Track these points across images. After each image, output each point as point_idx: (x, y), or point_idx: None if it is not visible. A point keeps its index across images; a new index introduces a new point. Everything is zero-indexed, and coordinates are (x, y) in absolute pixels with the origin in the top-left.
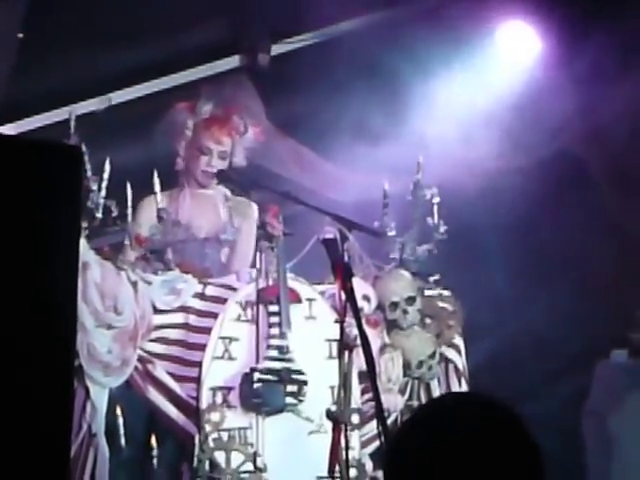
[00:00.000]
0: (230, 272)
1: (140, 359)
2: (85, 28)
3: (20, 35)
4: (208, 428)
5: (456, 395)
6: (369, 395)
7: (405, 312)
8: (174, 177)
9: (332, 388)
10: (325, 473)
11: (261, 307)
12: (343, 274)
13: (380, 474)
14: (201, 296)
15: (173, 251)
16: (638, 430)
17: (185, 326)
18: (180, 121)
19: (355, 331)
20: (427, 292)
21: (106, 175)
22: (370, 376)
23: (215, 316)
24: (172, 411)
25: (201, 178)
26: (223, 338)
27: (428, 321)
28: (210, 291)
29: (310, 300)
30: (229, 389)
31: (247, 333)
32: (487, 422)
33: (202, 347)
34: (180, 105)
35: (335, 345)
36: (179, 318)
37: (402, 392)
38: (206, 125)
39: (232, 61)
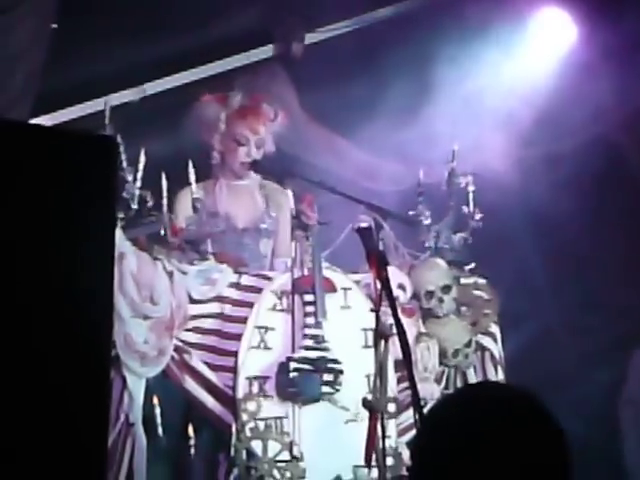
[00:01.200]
0: (267, 262)
1: (176, 349)
2: (119, 18)
3: (54, 25)
4: (245, 417)
5: (484, 385)
6: (405, 384)
7: (441, 301)
8: (208, 169)
9: (368, 377)
10: (362, 462)
11: (296, 296)
12: (378, 263)
13: None
14: (236, 286)
15: (212, 242)
16: None
17: (221, 316)
18: (212, 114)
19: (391, 320)
20: (462, 280)
21: (141, 166)
22: (406, 365)
23: (251, 305)
24: (209, 400)
25: (239, 169)
26: (259, 327)
27: (464, 309)
28: (245, 281)
29: (345, 289)
30: (265, 378)
31: (283, 322)
32: (515, 414)
33: (238, 337)
34: (209, 98)
35: (371, 334)
36: (215, 308)
37: (438, 381)
38: (240, 115)
39: (266, 50)
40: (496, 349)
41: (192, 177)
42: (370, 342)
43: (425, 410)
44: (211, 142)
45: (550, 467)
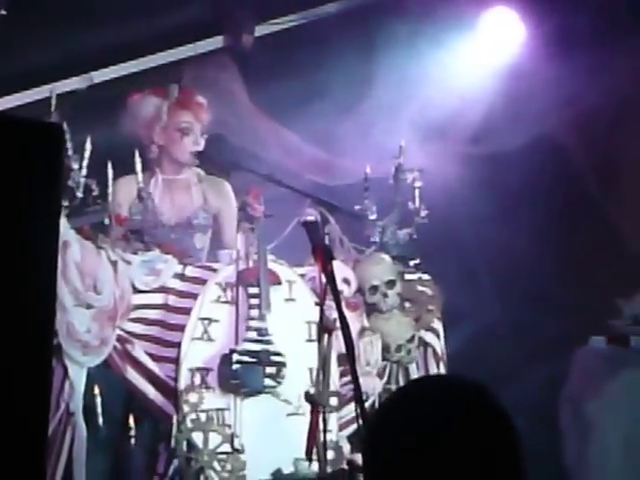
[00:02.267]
0: (203, 256)
1: (119, 339)
2: (67, 6)
3: (2, 12)
4: (186, 409)
5: (432, 377)
6: (348, 378)
7: (385, 296)
8: (146, 162)
9: (311, 370)
10: (303, 455)
11: (241, 289)
12: (323, 257)
13: (357, 456)
14: (181, 277)
15: (149, 235)
16: (615, 416)
17: (164, 306)
18: (151, 107)
19: (335, 314)
20: (407, 276)
21: (87, 154)
22: (349, 359)
23: (195, 297)
24: (150, 391)
25: (185, 159)
26: (202, 319)
27: (408, 305)
28: (190, 272)
29: (290, 282)
30: (208, 370)
31: (227, 314)
32: (464, 403)
33: (181, 328)
34: (146, 92)
35: (314, 327)
36: (159, 298)
37: (380, 375)
38: (182, 105)
39: (215, 41)
40: (439, 345)
41: (138, 166)
42: (314, 335)
43: (367, 404)
44: (150, 136)
45: (502, 453)
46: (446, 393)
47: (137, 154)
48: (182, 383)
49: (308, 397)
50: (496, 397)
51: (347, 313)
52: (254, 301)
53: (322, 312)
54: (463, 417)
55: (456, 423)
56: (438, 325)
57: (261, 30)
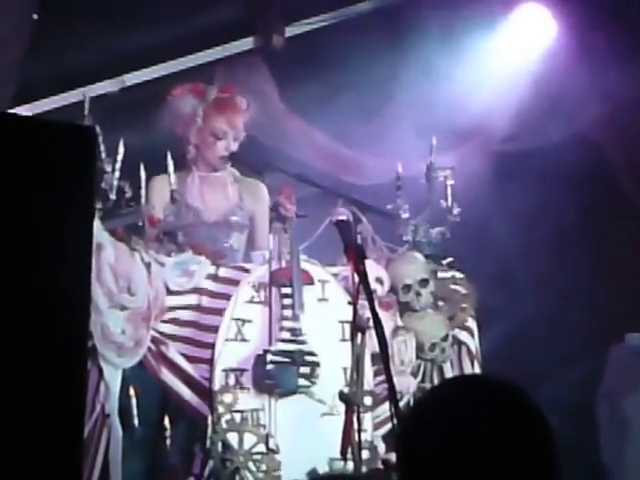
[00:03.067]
0: (240, 256)
1: (153, 340)
2: (100, 9)
3: (35, 16)
4: (221, 409)
5: (466, 377)
6: (382, 377)
7: (418, 294)
8: (183, 161)
9: (345, 370)
10: (337, 455)
11: (274, 289)
12: (356, 256)
13: (392, 456)
14: (214, 278)
15: (184, 234)
16: None
17: (198, 307)
18: (188, 108)
19: (368, 313)
20: (440, 274)
21: (120, 156)
22: (383, 358)
23: (228, 298)
24: (185, 392)
25: (217, 162)
26: (236, 320)
27: (441, 304)
28: (223, 273)
29: (323, 282)
30: (242, 371)
31: (260, 315)
32: (498, 403)
33: (215, 329)
34: (184, 89)
35: (348, 327)
36: (192, 299)
37: (415, 374)
38: (217, 109)
39: (246, 43)
40: (473, 343)
41: (171, 168)
42: (347, 335)
43: (401, 404)
44: (187, 135)
45: (536, 453)
46: (480, 393)
47: (169, 156)
48: (217, 384)
49: (342, 397)
50: (531, 397)
51: (380, 312)
52: (287, 301)
53: (355, 311)
54: (497, 417)
55: (490, 423)
56: (472, 323)
57: (291, 31)
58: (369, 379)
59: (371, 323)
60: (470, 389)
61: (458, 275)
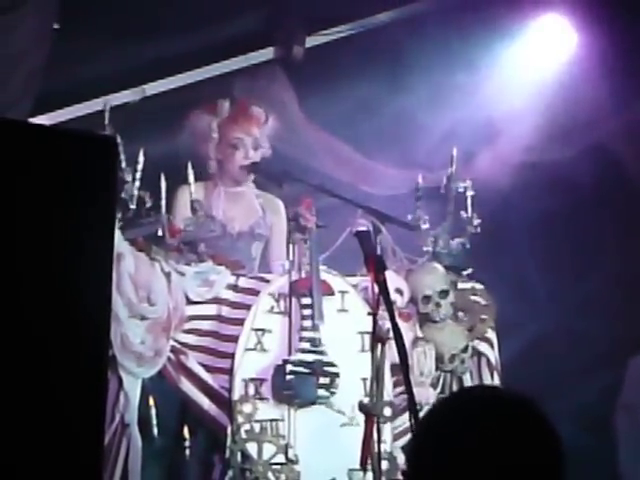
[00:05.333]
0: (259, 266)
1: (173, 350)
2: (120, 19)
3: (56, 26)
4: (240, 419)
5: (475, 388)
6: (401, 388)
7: (438, 305)
8: (206, 173)
9: (364, 381)
10: (357, 465)
11: (294, 299)
12: (376, 267)
13: None
14: (234, 288)
15: (206, 246)
16: None
17: (218, 317)
18: (204, 125)
19: (388, 324)
20: (460, 285)
21: (140, 166)
22: (403, 369)
23: (248, 308)
24: (204, 402)
25: (238, 174)
26: (256, 330)
27: (461, 314)
28: (243, 283)
29: (343, 292)
30: (261, 381)
31: (279, 325)
32: (506, 415)
33: (235, 339)
34: (198, 111)
35: (367, 338)
36: (212, 309)
37: (434, 385)
38: (232, 121)
39: (266, 53)
40: (492, 355)
41: (191, 178)
42: (367, 346)
43: (421, 415)
44: (207, 152)
45: (545, 468)
46: (490, 406)
47: (189, 167)
48: (236, 394)
49: (362, 407)
50: (541, 410)
51: (400, 323)
52: (307, 312)
53: (375, 322)
54: (507, 429)
55: (500, 434)
56: (492, 335)
57: (311, 41)
58: (389, 390)
59: (391, 334)
60: (479, 402)
61: (478, 286)
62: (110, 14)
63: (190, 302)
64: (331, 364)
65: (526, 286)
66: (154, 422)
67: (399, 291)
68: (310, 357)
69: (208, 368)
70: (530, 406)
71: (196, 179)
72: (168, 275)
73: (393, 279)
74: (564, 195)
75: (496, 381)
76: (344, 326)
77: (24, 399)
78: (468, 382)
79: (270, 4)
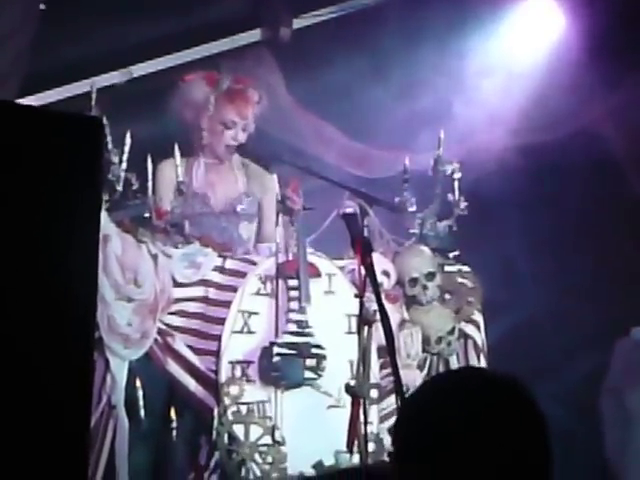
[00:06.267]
0: (250, 246)
1: (160, 332)
2: (107, 0)
3: (42, 6)
4: (227, 401)
5: (460, 370)
6: (388, 370)
7: (425, 288)
8: (189, 148)
9: (351, 363)
10: (343, 447)
11: (281, 281)
12: (363, 249)
13: None
14: (221, 270)
15: (191, 224)
16: None
17: (205, 299)
18: (201, 95)
19: (374, 306)
20: (447, 268)
21: (127, 148)
22: (389, 351)
23: (235, 290)
24: (191, 384)
25: (223, 152)
26: (242, 312)
27: (447, 297)
28: (230, 265)
29: (330, 275)
30: (248, 363)
31: (266, 307)
32: (494, 397)
33: (221, 321)
34: (198, 76)
35: (354, 320)
36: (199, 291)
37: (421, 368)
38: (228, 99)
39: (253, 35)
40: (479, 337)
41: (178, 160)
42: (353, 328)
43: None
44: (198, 122)
45: (531, 451)
46: (476, 389)
47: (177, 147)
48: (223, 376)
49: (348, 389)
50: (528, 391)
51: (387, 305)
52: (294, 294)
53: (362, 304)
54: (491, 413)
55: (484, 419)
56: (478, 317)
57: (299, 23)
58: (375, 372)
59: (377, 316)
60: (464, 386)
61: (465, 268)
62: None
63: (177, 284)
64: (318, 346)
65: (512, 268)
66: (141, 404)
67: (386, 273)
68: (297, 339)
69: (195, 350)
70: (516, 388)
71: (181, 155)
72: (155, 257)
73: (380, 261)
74: (551, 178)
75: (482, 363)
76: (331, 308)
77: (9, 381)
78: (455, 364)
79: None
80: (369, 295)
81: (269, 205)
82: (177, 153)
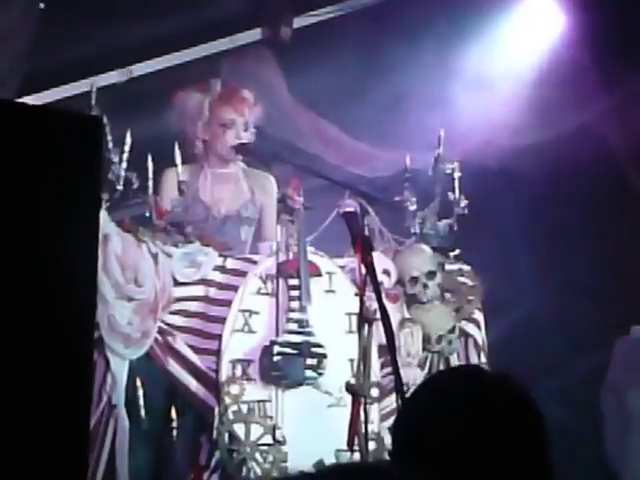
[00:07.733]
0: (249, 248)
1: (160, 331)
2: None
3: (42, 6)
4: (227, 400)
5: (456, 369)
6: (388, 369)
7: (425, 286)
8: (193, 154)
9: (352, 361)
10: (344, 446)
11: (281, 280)
12: (363, 248)
13: None
14: (221, 269)
15: (193, 228)
16: None
17: (205, 299)
18: (194, 103)
19: (375, 305)
20: (447, 267)
21: (127, 147)
22: (390, 350)
23: (235, 289)
24: (192, 383)
25: (227, 153)
26: (243, 311)
27: (448, 296)
28: (230, 264)
29: (330, 274)
30: (249, 362)
31: (267, 306)
32: (492, 398)
33: (222, 320)
34: (189, 89)
35: (355, 319)
36: (199, 291)
37: (421, 366)
38: (224, 100)
39: (254, 34)
40: (480, 336)
41: (178, 159)
42: (354, 327)
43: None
44: (194, 131)
45: (529, 450)
46: (473, 389)
47: (177, 148)
48: (223, 375)
49: (349, 388)
50: (526, 391)
51: (387, 304)
52: (294, 293)
53: (362, 303)
54: (491, 411)
55: (482, 419)
56: (479, 315)
57: (299, 22)
58: (376, 371)
59: (378, 315)
60: (461, 386)
61: (465, 267)
62: None
63: (177, 283)
64: (318, 345)
65: (513, 267)
66: (141, 403)
67: (386, 272)
68: (297, 338)
69: (195, 349)
70: (515, 388)
71: (183, 162)
72: (155, 256)
73: (380, 260)
74: (551, 176)
75: (483, 362)
76: (331, 307)
77: (10, 381)
78: (455, 363)
79: None
80: (369, 294)
81: (270, 205)
82: (177, 153)
